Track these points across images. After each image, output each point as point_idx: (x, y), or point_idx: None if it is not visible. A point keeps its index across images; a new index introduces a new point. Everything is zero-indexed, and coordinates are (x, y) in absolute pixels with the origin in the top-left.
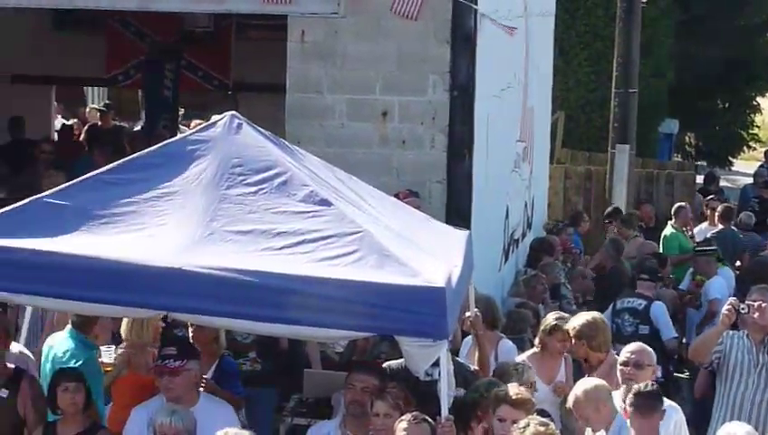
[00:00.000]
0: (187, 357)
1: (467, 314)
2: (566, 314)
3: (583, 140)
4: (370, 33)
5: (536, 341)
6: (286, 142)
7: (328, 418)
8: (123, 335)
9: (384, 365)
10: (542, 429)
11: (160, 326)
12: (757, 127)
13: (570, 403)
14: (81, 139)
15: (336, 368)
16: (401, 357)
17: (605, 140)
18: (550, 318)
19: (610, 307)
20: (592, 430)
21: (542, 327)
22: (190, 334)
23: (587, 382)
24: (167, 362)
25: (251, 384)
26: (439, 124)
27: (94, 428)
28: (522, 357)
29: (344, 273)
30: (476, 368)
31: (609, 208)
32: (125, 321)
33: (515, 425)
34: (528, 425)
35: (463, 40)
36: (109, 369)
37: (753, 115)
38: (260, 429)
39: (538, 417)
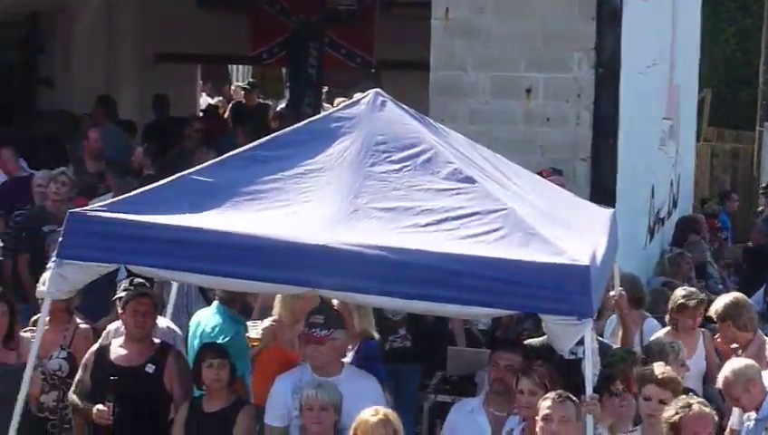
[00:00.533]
0: (333, 327)
1: (612, 292)
2: (694, 290)
3: (730, 118)
4: (515, 9)
5: (667, 319)
6: (430, 120)
7: (471, 395)
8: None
9: (526, 342)
10: (706, 409)
11: (310, 306)
12: None
13: (719, 383)
14: (225, 117)
15: (479, 345)
16: (544, 335)
17: (753, 118)
18: (677, 295)
19: (764, 286)
20: (743, 410)
21: (670, 305)
22: None
23: (736, 362)
24: (313, 330)
25: (400, 361)
26: (584, 101)
27: (239, 403)
28: (657, 335)
29: (488, 250)
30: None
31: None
32: (277, 296)
33: (675, 404)
34: (691, 405)
35: (609, 16)
36: (255, 344)
37: None
38: (405, 405)
39: (697, 397)
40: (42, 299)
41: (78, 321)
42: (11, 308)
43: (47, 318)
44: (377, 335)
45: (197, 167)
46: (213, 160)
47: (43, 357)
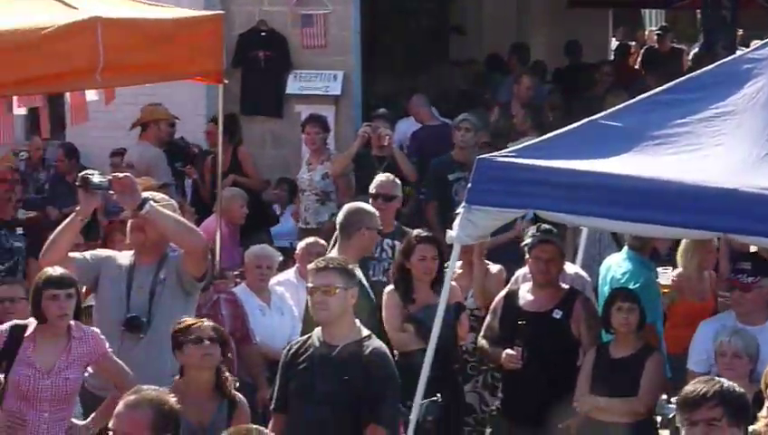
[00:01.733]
0: (761, 273)
1: None
2: None
3: None
4: None
5: None
6: None
7: None
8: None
9: None
10: None
11: (714, 256)
12: None
13: None
14: (637, 62)
15: None
16: None
17: None
18: None
19: None
20: None
21: None
22: None
23: None
24: (739, 276)
25: None
26: None
27: (647, 349)
28: None
29: None
30: None
31: None
32: (680, 247)
33: None
34: None
35: None
36: (666, 291)
37: None
38: None
39: None
40: (452, 245)
41: (486, 262)
42: (440, 253)
43: (459, 263)
44: None
45: (605, 112)
46: (622, 105)
47: (460, 299)
